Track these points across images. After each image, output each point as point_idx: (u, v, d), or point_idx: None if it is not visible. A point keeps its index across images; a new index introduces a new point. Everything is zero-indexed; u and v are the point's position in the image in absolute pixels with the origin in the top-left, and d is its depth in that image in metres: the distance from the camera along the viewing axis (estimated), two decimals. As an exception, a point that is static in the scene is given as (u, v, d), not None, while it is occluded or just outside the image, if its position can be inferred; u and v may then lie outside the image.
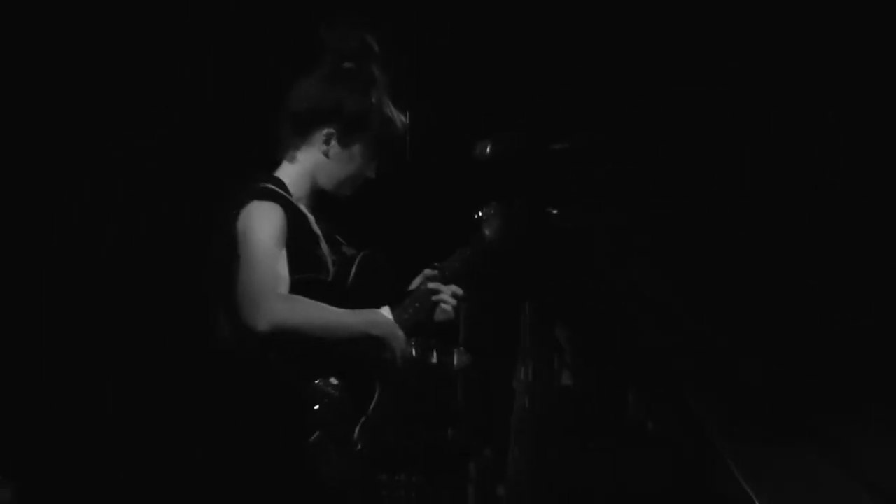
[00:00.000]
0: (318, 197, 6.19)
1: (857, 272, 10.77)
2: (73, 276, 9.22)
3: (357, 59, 6.35)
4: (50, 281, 9.26)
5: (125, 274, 9.13)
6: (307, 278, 5.80)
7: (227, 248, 5.72)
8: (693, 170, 11.53)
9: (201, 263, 6.35)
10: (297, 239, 5.79)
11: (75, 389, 8.95)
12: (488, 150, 6.29)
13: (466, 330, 6.74)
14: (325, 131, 6.00)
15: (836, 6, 10.77)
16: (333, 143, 6.04)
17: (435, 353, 6.41)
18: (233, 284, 5.68)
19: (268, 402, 5.87)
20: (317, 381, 5.79)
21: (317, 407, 5.77)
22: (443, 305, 6.08)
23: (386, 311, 5.92)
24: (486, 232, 6.51)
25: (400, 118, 6.39)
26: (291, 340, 5.68)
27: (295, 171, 6.04)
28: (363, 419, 5.90)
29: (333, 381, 5.82)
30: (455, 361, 6.53)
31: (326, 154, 6.04)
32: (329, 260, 5.99)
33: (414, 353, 6.24)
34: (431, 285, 6.10)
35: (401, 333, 5.87)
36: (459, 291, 6.20)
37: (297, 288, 5.71)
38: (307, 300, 5.73)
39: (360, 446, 5.86)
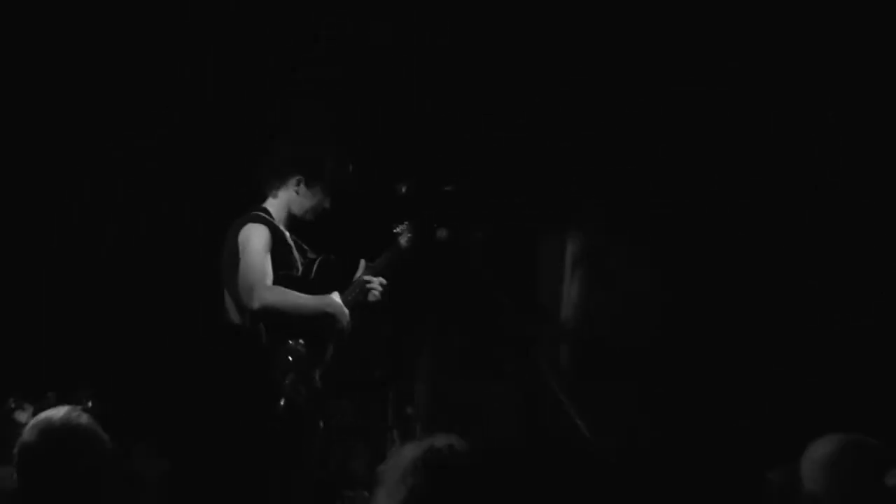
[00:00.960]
0: (292, 220, 7.54)
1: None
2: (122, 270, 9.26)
3: (317, 130, 7.55)
4: (104, 269, 9.34)
5: (153, 264, 9.24)
6: (283, 274, 7.26)
7: (232, 253, 7.10)
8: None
9: (212, 261, 7.61)
10: (276, 248, 7.24)
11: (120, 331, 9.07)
12: (403, 189, 7.74)
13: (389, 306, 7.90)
14: (296, 178, 7.41)
15: (817, 8, 10.73)
16: (301, 186, 7.45)
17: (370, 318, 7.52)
18: (235, 277, 7.01)
19: (258, 355, 7.25)
20: (290, 342, 7.28)
21: (290, 359, 7.25)
22: (373, 291, 7.40)
23: (336, 296, 7.25)
24: (401, 242, 7.73)
25: (347, 169, 7.72)
26: (273, 315, 6.97)
27: (276, 204, 7.45)
28: (321, 366, 7.17)
29: (301, 342, 7.25)
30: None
31: (297, 192, 7.47)
32: (298, 262, 7.49)
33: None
34: (365, 277, 7.47)
35: (346, 310, 7.23)
36: (384, 281, 7.51)
37: (277, 281, 7.19)
38: (284, 289, 7.10)
39: (319, 384, 7.28)
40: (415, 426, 7.90)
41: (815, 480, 4.60)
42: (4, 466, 4.93)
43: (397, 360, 8.06)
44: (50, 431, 3.99)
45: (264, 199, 7.48)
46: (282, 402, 7.18)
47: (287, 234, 7.45)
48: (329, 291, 7.28)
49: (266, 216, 7.25)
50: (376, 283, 7.38)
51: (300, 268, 7.45)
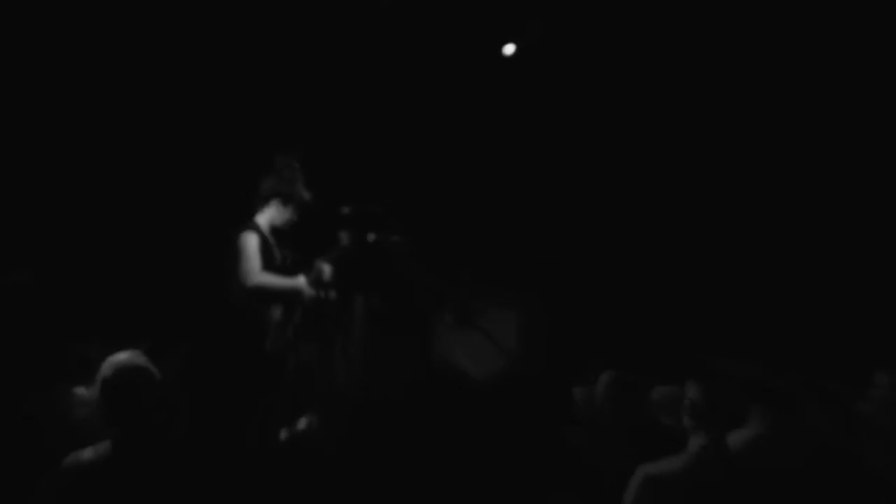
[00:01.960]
0: (273, 227, 8.63)
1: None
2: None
3: (289, 171, 8.60)
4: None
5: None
6: (268, 265, 8.31)
7: (234, 251, 8.19)
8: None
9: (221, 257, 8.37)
10: (263, 248, 8.31)
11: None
12: (345, 210, 8.76)
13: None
14: (275, 200, 8.68)
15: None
16: (279, 205, 8.66)
17: (327, 293, 8.40)
18: (236, 267, 8.13)
19: (251, 320, 8.26)
20: (276, 315, 8.37)
21: (277, 317, 8.32)
22: (324, 274, 8.48)
23: (301, 278, 8.36)
24: (343, 243, 8.84)
25: (307, 195, 8.78)
26: (261, 291, 8.19)
27: (263, 218, 8.61)
28: (292, 323, 8.36)
29: (278, 311, 8.37)
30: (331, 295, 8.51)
31: (276, 210, 8.69)
32: (278, 255, 8.55)
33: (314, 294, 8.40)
34: (318, 264, 8.58)
35: (308, 288, 8.42)
36: (331, 268, 8.54)
37: (263, 269, 8.19)
38: (268, 274, 8.21)
39: (291, 335, 8.32)
40: (356, 363, 8.45)
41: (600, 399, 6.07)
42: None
43: (343, 319, 8.55)
44: (122, 369, 4.89)
45: (255, 214, 8.56)
46: (266, 347, 8.18)
47: (270, 238, 8.51)
48: (297, 275, 8.44)
49: (255, 227, 8.39)
50: (327, 270, 8.40)
51: (278, 260, 8.48)
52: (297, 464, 5.49)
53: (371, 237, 8.60)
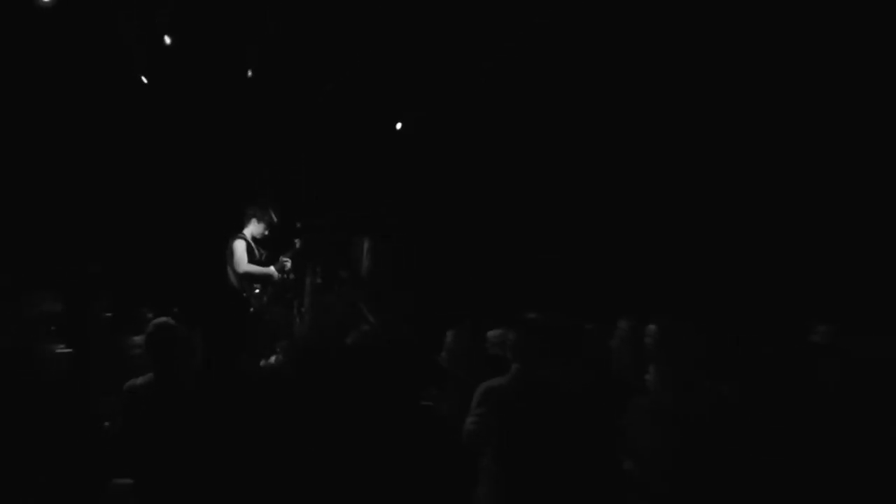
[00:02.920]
0: (253, 236, 8.40)
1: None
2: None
3: (263, 203, 8.44)
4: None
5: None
6: (251, 259, 8.28)
7: (230, 251, 8.26)
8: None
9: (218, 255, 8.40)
10: (248, 249, 8.31)
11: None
12: (298, 225, 8.55)
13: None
14: (255, 220, 8.44)
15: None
16: (257, 223, 8.46)
17: (289, 275, 8.30)
18: (232, 261, 8.21)
19: (241, 293, 8.22)
20: (256, 290, 8.31)
21: (256, 292, 8.27)
22: (286, 266, 8.30)
23: (272, 267, 8.31)
24: (296, 246, 8.46)
25: (273, 218, 8.49)
26: (247, 276, 8.25)
27: (247, 230, 8.43)
28: (264, 295, 8.28)
29: (257, 287, 8.30)
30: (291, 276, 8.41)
31: (255, 226, 8.46)
32: (257, 254, 8.41)
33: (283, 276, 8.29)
34: (281, 259, 8.37)
35: (276, 273, 8.29)
36: (289, 260, 8.31)
37: (249, 262, 8.19)
38: (251, 265, 8.22)
39: (265, 301, 8.24)
40: (305, 319, 8.32)
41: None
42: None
43: (297, 291, 8.42)
44: (160, 326, 4.82)
45: (243, 228, 8.44)
46: (251, 310, 8.26)
47: (251, 242, 8.42)
48: (269, 265, 8.39)
49: (243, 236, 8.37)
50: (286, 262, 8.36)
51: (258, 258, 8.40)
52: (268, 383, 5.43)
53: (300, 241, 8.50)
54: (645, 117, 10.42)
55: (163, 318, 5.02)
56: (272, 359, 5.92)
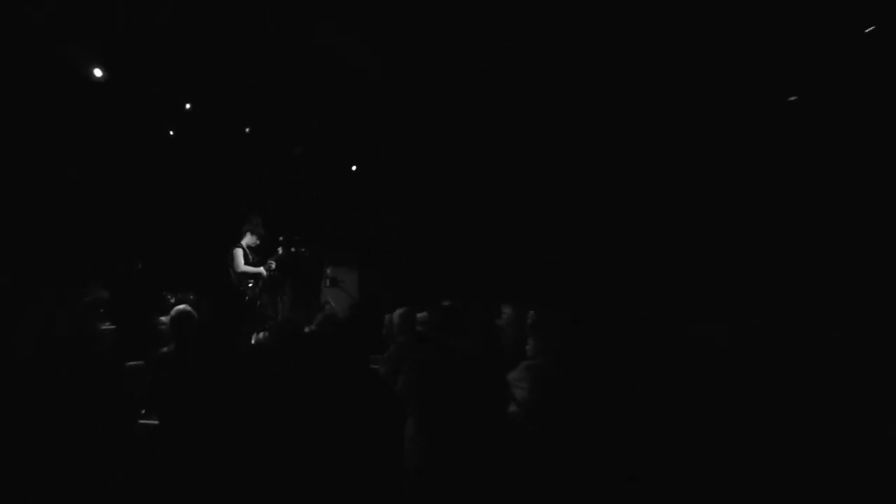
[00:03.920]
0: (248, 246, 8.09)
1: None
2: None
3: (255, 220, 8.14)
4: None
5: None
6: (245, 263, 8.00)
7: (230, 256, 7.98)
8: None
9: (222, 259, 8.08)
10: (244, 255, 8.01)
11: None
12: (280, 238, 8.28)
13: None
14: (249, 233, 8.11)
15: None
16: (251, 236, 8.12)
17: (273, 273, 8.08)
18: (232, 264, 7.94)
19: (238, 287, 7.95)
20: (250, 284, 8.04)
21: (250, 285, 8.01)
22: (271, 266, 8.05)
23: (262, 268, 8.05)
24: (280, 252, 8.24)
25: (262, 231, 8.17)
26: (243, 275, 7.97)
27: (244, 241, 8.08)
28: (256, 288, 8.01)
29: (251, 282, 8.04)
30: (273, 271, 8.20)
31: (249, 238, 8.13)
32: (251, 259, 8.09)
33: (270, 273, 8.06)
34: (268, 262, 8.10)
35: (265, 272, 8.02)
36: (274, 263, 8.08)
37: (244, 264, 7.95)
38: (248, 266, 7.96)
39: (258, 292, 7.97)
40: (286, 306, 8.47)
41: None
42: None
43: (280, 284, 8.38)
44: (180, 310, 4.83)
45: (240, 239, 8.11)
46: (246, 298, 7.96)
47: (247, 250, 8.07)
48: (259, 267, 8.07)
49: (240, 245, 8.06)
50: (272, 264, 8.07)
51: (251, 260, 8.05)
52: (257, 353, 5.33)
53: (281, 248, 8.22)
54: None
55: (182, 306, 4.91)
56: (261, 335, 5.71)
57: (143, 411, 4.58)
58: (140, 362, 4.97)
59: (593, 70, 8.14)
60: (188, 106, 8.58)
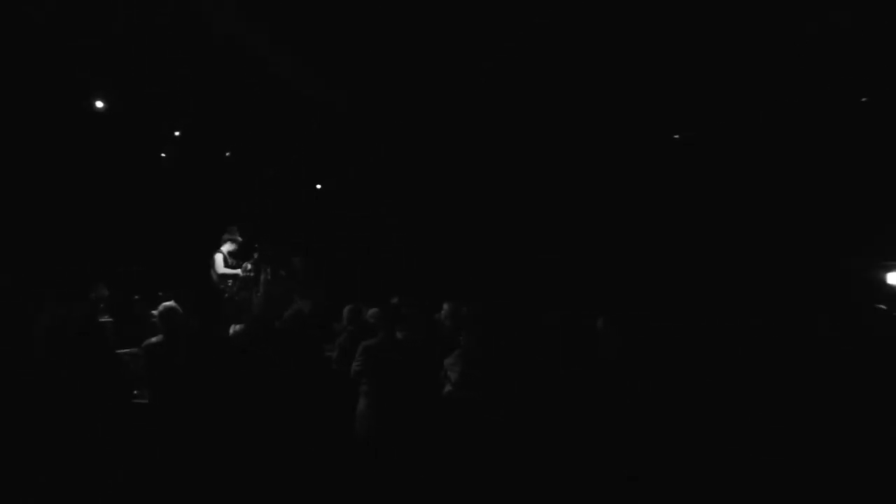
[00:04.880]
0: (229, 252, 7.94)
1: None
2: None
3: (233, 231, 8.03)
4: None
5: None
6: (225, 266, 7.90)
7: (212, 260, 7.87)
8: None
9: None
10: (224, 259, 7.90)
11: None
12: (256, 245, 7.90)
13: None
14: (229, 241, 7.97)
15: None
16: (230, 243, 7.98)
17: (249, 274, 7.89)
18: (213, 266, 7.84)
19: (219, 285, 7.81)
20: (229, 283, 7.84)
21: (229, 283, 7.84)
22: (247, 268, 7.86)
23: (239, 269, 7.88)
24: (254, 256, 7.90)
25: (239, 239, 8.03)
26: (223, 276, 7.85)
27: (224, 247, 7.93)
28: (236, 286, 7.85)
29: (230, 281, 7.86)
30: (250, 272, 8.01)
31: (228, 245, 7.99)
32: (230, 263, 7.94)
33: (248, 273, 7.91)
34: (245, 264, 7.89)
35: (242, 273, 7.82)
36: (250, 265, 7.88)
37: (224, 267, 7.87)
38: (227, 269, 7.85)
39: (236, 290, 7.80)
40: (260, 301, 7.79)
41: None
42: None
43: (255, 282, 7.83)
44: (167, 306, 4.66)
45: (220, 245, 7.98)
46: (226, 296, 7.81)
47: (226, 255, 7.93)
48: (237, 268, 7.89)
49: (220, 250, 7.94)
50: (248, 265, 7.86)
51: (230, 263, 7.89)
52: (234, 342, 5.32)
53: (257, 253, 8.00)
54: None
55: (169, 302, 4.83)
56: (238, 327, 5.63)
57: (136, 391, 4.58)
58: (134, 349, 4.92)
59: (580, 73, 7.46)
60: (177, 133, 8.45)
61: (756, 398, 4.34)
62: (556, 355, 4.75)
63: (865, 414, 4.12)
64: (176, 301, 4.87)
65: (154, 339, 4.61)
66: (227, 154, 9.24)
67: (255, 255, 8.02)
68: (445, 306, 6.00)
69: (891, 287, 7.98)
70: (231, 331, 5.60)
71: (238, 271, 8.00)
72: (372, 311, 5.72)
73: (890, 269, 8.05)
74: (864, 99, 7.21)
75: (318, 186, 10.42)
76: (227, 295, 7.98)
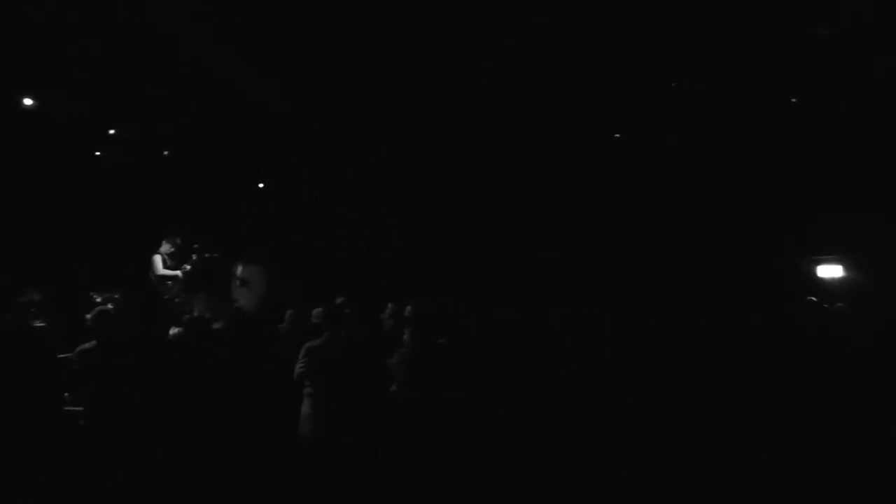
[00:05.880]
0: (168, 253, 7.77)
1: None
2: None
3: (174, 233, 7.88)
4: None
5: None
6: (164, 267, 7.72)
7: (151, 262, 7.65)
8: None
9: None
10: (163, 261, 7.71)
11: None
12: (195, 247, 7.77)
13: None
14: (167, 244, 7.79)
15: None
16: (169, 246, 7.81)
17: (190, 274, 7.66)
18: (151, 268, 7.63)
19: (159, 287, 7.60)
20: (169, 284, 7.63)
21: (169, 284, 7.62)
22: (186, 269, 7.57)
23: (179, 271, 7.63)
24: (193, 258, 7.68)
25: (179, 242, 7.86)
26: (162, 277, 7.64)
27: (163, 249, 7.73)
28: (177, 288, 7.62)
29: (169, 283, 7.62)
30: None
31: (167, 247, 7.79)
32: (168, 264, 7.72)
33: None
34: (184, 266, 7.62)
35: (181, 275, 7.57)
36: (190, 268, 7.64)
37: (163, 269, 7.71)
38: (165, 270, 7.66)
39: (176, 292, 7.57)
40: (202, 303, 7.55)
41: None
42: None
43: (198, 283, 7.59)
44: (101, 310, 4.52)
45: (159, 247, 7.79)
46: (165, 297, 7.61)
47: (165, 257, 7.76)
48: (176, 271, 7.65)
49: (159, 252, 7.75)
50: (188, 268, 7.61)
51: (169, 265, 7.70)
52: (174, 343, 5.22)
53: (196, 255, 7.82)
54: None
55: (103, 306, 4.76)
56: (177, 330, 5.50)
57: (69, 398, 4.45)
58: (68, 355, 4.66)
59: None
60: (111, 131, 8.29)
61: (691, 394, 4.48)
62: (509, 353, 4.82)
63: (801, 403, 4.25)
64: (112, 304, 4.88)
65: (87, 345, 4.46)
66: (165, 153, 9.06)
67: (195, 256, 7.82)
68: (390, 306, 6.04)
69: (821, 280, 8.60)
70: (170, 333, 5.46)
71: (178, 273, 7.81)
72: (316, 311, 5.71)
73: (820, 263, 8.66)
74: (793, 100, 7.46)
75: (261, 185, 10.28)
76: (166, 297, 7.80)
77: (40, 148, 7.91)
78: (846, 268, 8.66)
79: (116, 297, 6.92)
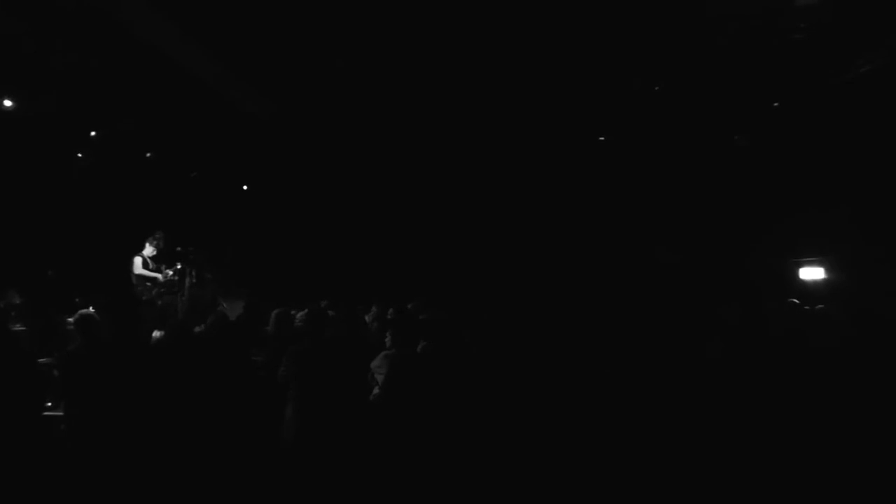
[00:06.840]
0: (149, 256, 7.81)
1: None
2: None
3: (158, 236, 7.91)
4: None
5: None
6: (144, 268, 7.78)
7: (131, 262, 7.67)
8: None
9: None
10: (143, 262, 7.75)
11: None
12: (178, 248, 7.91)
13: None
14: (149, 245, 7.83)
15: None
16: (151, 247, 7.85)
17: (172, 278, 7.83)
18: (131, 269, 7.66)
19: (139, 288, 7.63)
20: (148, 284, 7.68)
21: (147, 285, 7.68)
22: (168, 273, 7.76)
23: (159, 273, 7.79)
24: (179, 261, 7.95)
25: (161, 244, 7.93)
26: (141, 277, 7.70)
27: (145, 251, 7.80)
28: (157, 290, 7.75)
29: (148, 284, 7.70)
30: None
31: (149, 248, 7.85)
32: (150, 265, 7.81)
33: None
34: (164, 268, 7.81)
35: (161, 276, 7.74)
36: (171, 270, 7.81)
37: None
38: (145, 271, 7.71)
39: (156, 293, 7.70)
40: (184, 304, 7.79)
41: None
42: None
43: (177, 287, 7.83)
44: (83, 314, 4.48)
45: (142, 249, 7.85)
46: (144, 298, 7.61)
47: (147, 258, 7.81)
48: (158, 273, 7.82)
49: (141, 254, 7.79)
50: (169, 271, 7.81)
51: (150, 266, 7.77)
52: (156, 346, 5.21)
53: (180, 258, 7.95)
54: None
55: (87, 310, 4.70)
56: (159, 333, 5.49)
57: (49, 403, 4.44)
58: (49, 359, 4.76)
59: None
60: (93, 133, 8.26)
61: (669, 397, 4.50)
62: (494, 355, 4.87)
63: (781, 403, 4.25)
64: (94, 307, 4.78)
65: (70, 348, 4.45)
66: (148, 155, 9.04)
67: (180, 259, 7.89)
68: (373, 308, 6.11)
69: (803, 282, 8.67)
70: (153, 337, 5.47)
71: (158, 275, 7.85)
72: (300, 314, 5.71)
73: (802, 266, 8.76)
74: (776, 104, 7.51)
75: (245, 187, 10.25)
76: (144, 297, 7.80)
77: (19, 150, 7.85)
78: (827, 270, 8.73)
79: (99, 300, 6.71)
